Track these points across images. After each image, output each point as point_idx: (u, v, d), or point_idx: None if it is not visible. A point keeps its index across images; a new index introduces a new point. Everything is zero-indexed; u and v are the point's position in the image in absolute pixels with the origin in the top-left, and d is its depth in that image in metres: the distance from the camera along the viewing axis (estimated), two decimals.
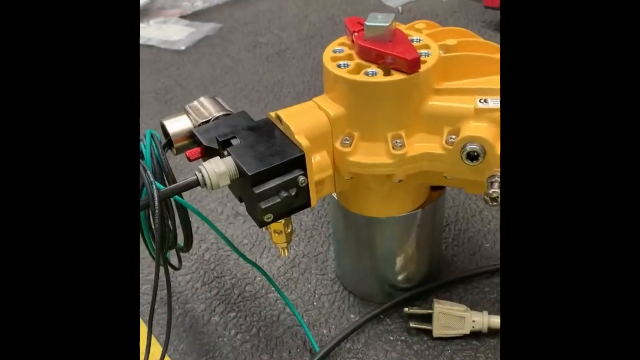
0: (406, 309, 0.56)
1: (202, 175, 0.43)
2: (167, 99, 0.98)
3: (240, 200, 0.48)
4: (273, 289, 0.62)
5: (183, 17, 1.24)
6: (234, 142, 0.46)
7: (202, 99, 0.53)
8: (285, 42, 1.14)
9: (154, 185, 0.42)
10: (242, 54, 1.10)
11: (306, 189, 0.45)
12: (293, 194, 0.44)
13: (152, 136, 0.47)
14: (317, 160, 0.46)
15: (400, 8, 1.22)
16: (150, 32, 1.19)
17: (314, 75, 1.01)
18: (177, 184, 0.44)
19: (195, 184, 0.44)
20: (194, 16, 1.25)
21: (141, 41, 1.16)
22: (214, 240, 0.69)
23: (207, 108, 0.52)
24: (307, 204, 0.46)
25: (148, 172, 0.43)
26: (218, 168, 0.44)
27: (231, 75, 1.03)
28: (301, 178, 0.44)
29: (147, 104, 0.96)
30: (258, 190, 0.43)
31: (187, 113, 0.52)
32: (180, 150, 0.51)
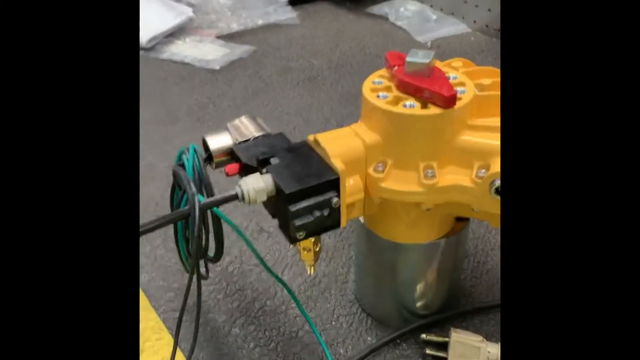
0: (423, 336, 0.57)
1: (242, 191, 0.46)
2: (200, 115, 1.01)
3: (273, 216, 0.50)
4: (293, 305, 0.63)
5: (219, 37, 1.29)
6: (273, 161, 0.48)
7: (243, 118, 0.56)
8: (316, 68, 1.17)
9: (196, 197, 0.44)
10: (273, 77, 1.14)
11: (338, 210, 0.47)
12: (325, 214, 0.46)
13: (195, 150, 0.50)
14: (351, 184, 0.48)
15: (429, 43, 1.26)
16: (187, 49, 1.23)
17: (342, 102, 1.04)
18: (218, 197, 0.46)
19: (234, 198, 0.46)
20: (229, 38, 1.29)
21: (177, 58, 1.21)
22: (238, 254, 0.71)
23: (247, 127, 0.55)
24: (337, 225, 0.48)
25: (191, 183, 0.46)
26: (257, 184, 0.46)
27: (262, 97, 1.07)
28: (335, 199, 0.46)
29: (181, 119, 1.00)
30: (294, 208, 0.45)
31: (228, 130, 0.55)
32: (219, 165, 0.54)
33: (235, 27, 1.32)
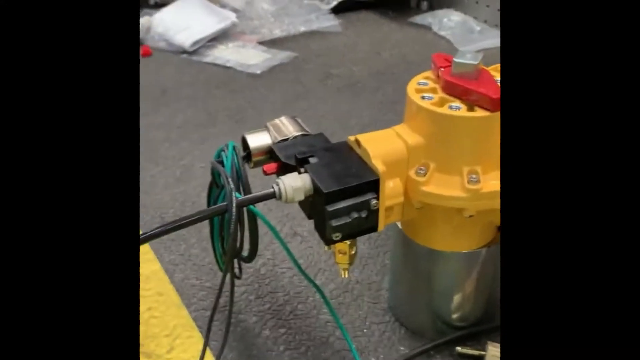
0: (458, 348, 0.55)
1: (279, 188, 0.45)
2: (239, 118, 1.02)
3: (310, 217, 0.50)
4: (324, 310, 0.62)
5: (261, 43, 1.30)
6: (312, 160, 0.48)
7: (282, 118, 0.55)
8: (356, 75, 1.17)
9: (234, 193, 0.44)
10: (313, 83, 1.14)
11: (376, 212, 0.46)
12: (363, 215, 0.45)
13: (234, 148, 0.50)
14: (391, 186, 0.47)
15: None
16: (229, 54, 1.24)
17: (381, 109, 1.03)
18: (255, 194, 0.45)
19: (272, 196, 0.46)
20: (271, 43, 1.30)
21: (220, 62, 1.22)
22: (271, 256, 0.70)
23: (287, 127, 0.54)
24: (375, 228, 0.47)
25: (229, 179, 0.45)
26: (295, 183, 0.45)
27: (301, 102, 1.07)
28: (373, 201, 0.45)
29: (220, 121, 1.01)
30: (331, 208, 0.44)
31: (268, 130, 0.55)
32: (257, 164, 0.54)
33: (277, 33, 1.33)
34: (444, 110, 0.45)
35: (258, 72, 1.17)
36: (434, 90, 0.47)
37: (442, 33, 1.33)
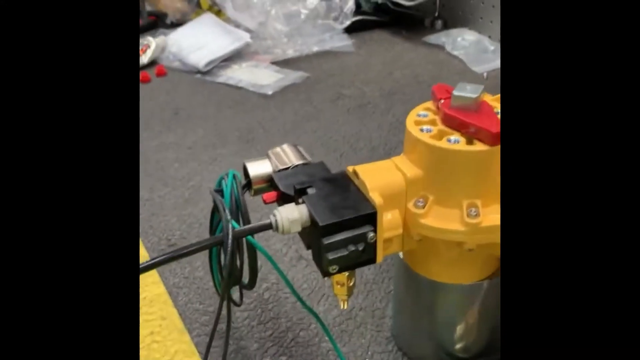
0: None
1: (276, 220, 0.45)
2: (249, 138, 1.02)
3: (308, 247, 0.49)
4: (326, 338, 0.62)
5: (274, 63, 1.31)
6: (310, 191, 0.48)
7: (284, 146, 0.56)
8: (367, 96, 1.17)
9: (230, 224, 0.44)
10: (324, 103, 1.14)
11: (374, 245, 0.45)
12: (360, 248, 0.45)
13: (234, 177, 0.50)
14: (389, 218, 0.46)
15: (485, 74, 1.23)
16: (242, 74, 1.26)
17: (391, 130, 1.03)
18: (252, 225, 0.46)
19: (269, 227, 0.46)
20: (284, 63, 1.31)
21: (232, 82, 1.23)
22: (275, 281, 0.70)
23: (288, 155, 0.54)
24: (373, 260, 0.47)
25: (226, 210, 0.45)
26: (291, 215, 0.45)
27: (312, 123, 1.07)
28: (370, 234, 0.45)
29: (230, 141, 1.01)
30: (327, 241, 0.44)
31: (269, 158, 0.55)
32: (257, 192, 0.54)
33: (290, 53, 1.34)
34: (442, 143, 0.44)
35: (270, 92, 1.18)
36: (433, 122, 0.47)
37: (456, 52, 1.32)
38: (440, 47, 1.38)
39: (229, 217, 0.45)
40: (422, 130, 0.46)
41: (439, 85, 0.50)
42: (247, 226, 0.46)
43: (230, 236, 0.44)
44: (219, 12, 1.47)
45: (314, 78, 1.25)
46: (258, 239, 0.76)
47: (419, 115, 0.48)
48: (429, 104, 0.50)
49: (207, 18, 1.41)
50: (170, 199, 0.86)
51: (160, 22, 1.53)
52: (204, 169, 0.93)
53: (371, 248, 0.46)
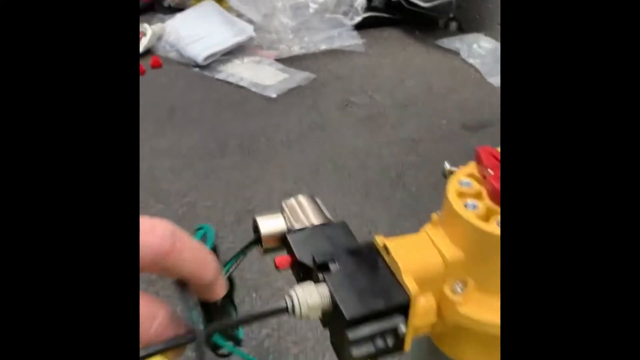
0: None
1: (293, 304, 0.39)
2: (251, 149, 0.95)
3: (324, 325, 0.43)
4: None
5: (278, 60, 1.23)
6: (332, 267, 0.41)
7: (301, 198, 0.49)
8: (378, 105, 1.09)
9: (200, 323, 0.34)
10: (332, 112, 1.07)
11: (404, 336, 0.39)
12: (390, 344, 0.38)
13: (204, 237, 0.40)
14: (422, 304, 0.40)
15: None
16: (244, 70, 1.17)
17: (403, 148, 0.96)
18: (261, 310, 0.39)
19: (282, 311, 0.39)
20: (289, 61, 1.23)
21: (233, 80, 1.15)
22: (276, 327, 0.64)
23: (305, 211, 0.47)
24: (400, 350, 0.41)
25: (197, 307, 0.35)
26: (311, 299, 0.39)
27: (318, 134, 1.00)
28: (401, 327, 0.38)
29: (230, 150, 0.94)
30: (353, 335, 0.37)
31: (283, 211, 0.48)
32: (268, 251, 0.47)
33: (296, 50, 1.26)
34: (492, 227, 0.38)
35: (274, 95, 1.10)
36: (479, 196, 0.40)
37: (471, 61, 1.25)
38: (455, 53, 1.30)
39: (196, 317, 0.34)
40: (466, 206, 0.40)
41: (484, 148, 0.43)
42: (225, 322, 0.36)
43: (202, 337, 0.34)
44: (221, 0, 1.38)
45: (320, 80, 1.17)
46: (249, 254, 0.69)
47: (461, 184, 0.42)
48: (472, 169, 0.43)
49: (209, 5, 1.32)
50: (163, 217, 0.79)
51: (157, 5, 1.43)
52: (200, 183, 0.86)
53: (400, 340, 0.40)
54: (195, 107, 1.07)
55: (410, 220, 0.78)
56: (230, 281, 0.41)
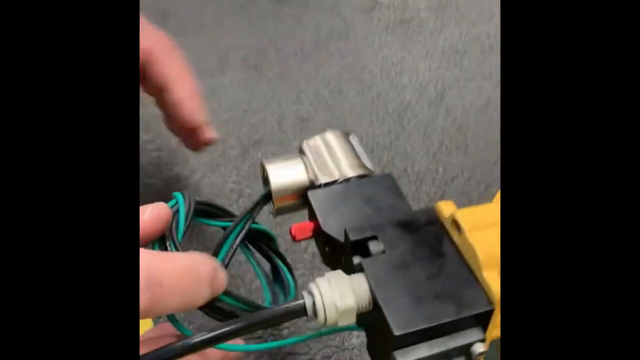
0: None
1: (315, 303, 0.26)
2: (257, 63, 0.79)
3: (360, 324, 0.30)
4: None
5: None
6: (373, 247, 0.27)
7: (328, 135, 0.34)
8: (411, 8, 0.91)
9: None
10: (356, 16, 0.89)
11: (480, 358, 0.27)
12: None
13: (184, 201, 0.29)
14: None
15: None
16: None
17: (443, 61, 0.79)
18: (255, 317, 0.26)
19: (300, 314, 0.26)
20: None
21: None
22: (292, 329, 0.52)
23: (335, 156, 0.33)
24: None
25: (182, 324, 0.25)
26: (342, 300, 0.26)
27: (339, 43, 0.83)
28: (479, 347, 0.25)
29: (232, 65, 0.78)
30: (403, 359, 0.25)
31: (304, 155, 0.34)
32: (282, 212, 0.34)
33: None
34: None
35: None
36: None
37: None
38: None
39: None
40: None
41: None
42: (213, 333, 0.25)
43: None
44: None
45: None
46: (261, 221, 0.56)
47: None
48: None
49: None
50: (155, 146, 0.66)
51: None
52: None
53: None
54: (192, 12, 0.90)
55: (455, 154, 0.64)
56: (268, 234, 0.33)
